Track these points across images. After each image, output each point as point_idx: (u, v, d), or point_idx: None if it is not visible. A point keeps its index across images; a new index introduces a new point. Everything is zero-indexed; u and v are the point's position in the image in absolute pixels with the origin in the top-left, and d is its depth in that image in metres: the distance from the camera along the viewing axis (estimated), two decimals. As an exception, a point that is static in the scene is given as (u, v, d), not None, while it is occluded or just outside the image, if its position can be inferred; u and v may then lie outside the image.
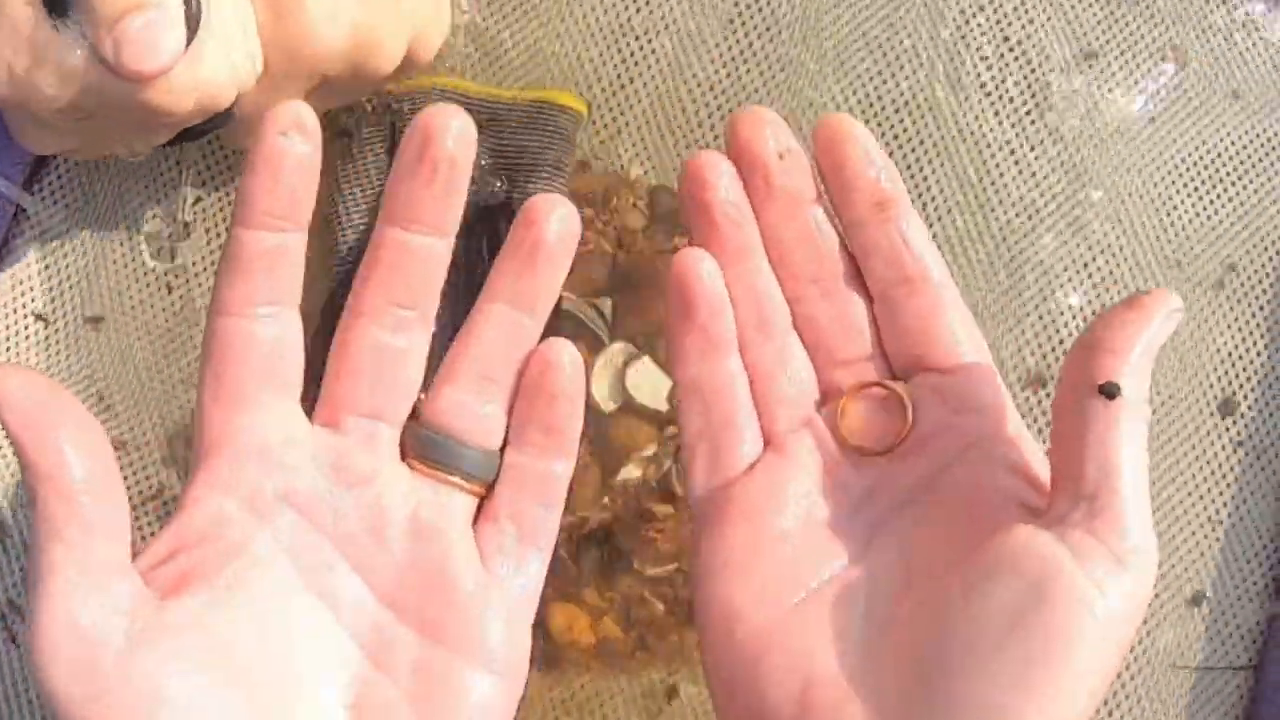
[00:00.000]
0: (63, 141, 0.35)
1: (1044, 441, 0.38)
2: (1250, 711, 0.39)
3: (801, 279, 0.30)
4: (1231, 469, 0.40)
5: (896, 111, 0.41)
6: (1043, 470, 0.28)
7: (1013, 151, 0.41)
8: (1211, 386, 0.41)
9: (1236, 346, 0.41)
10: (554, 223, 0.28)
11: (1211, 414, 0.41)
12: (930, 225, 0.41)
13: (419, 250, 0.28)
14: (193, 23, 0.29)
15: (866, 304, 0.30)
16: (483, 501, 0.29)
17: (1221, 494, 0.40)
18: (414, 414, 0.29)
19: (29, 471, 0.24)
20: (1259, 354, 0.41)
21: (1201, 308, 0.41)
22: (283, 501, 0.27)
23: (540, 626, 0.37)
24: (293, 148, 0.26)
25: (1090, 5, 0.42)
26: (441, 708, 0.26)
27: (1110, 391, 0.25)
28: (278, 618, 0.26)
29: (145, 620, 0.24)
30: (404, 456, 0.29)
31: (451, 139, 0.27)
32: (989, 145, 0.41)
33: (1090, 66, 0.42)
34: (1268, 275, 0.41)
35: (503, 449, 0.29)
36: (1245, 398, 0.41)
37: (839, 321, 0.30)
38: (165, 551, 0.26)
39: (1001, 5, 0.42)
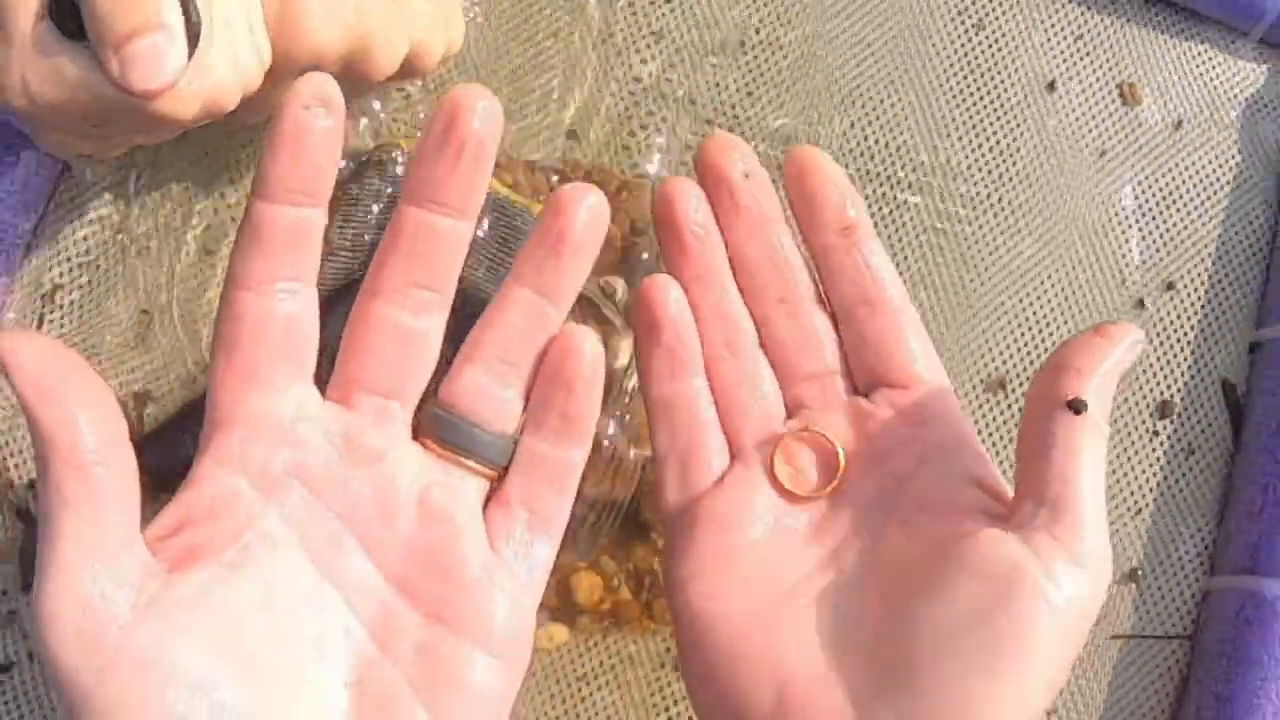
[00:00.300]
0: (79, 145, 0.35)
1: (1010, 443, 0.40)
2: (1186, 676, 0.41)
3: (768, 298, 0.31)
4: (1167, 463, 0.42)
5: (881, 124, 0.43)
6: (993, 473, 0.29)
7: (979, 172, 0.43)
8: (1150, 390, 0.43)
9: (1174, 355, 0.43)
10: (582, 212, 0.27)
11: (1151, 414, 0.43)
12: (901, 239, 0.42)
13: (442, 231, 0.27)
14: (194, 36, 0.29)
15: (829, 322, 0.31)
16: (494, 485, 0.28)
17: (1158, 484, 0.42)
18: (430, 394, 0.28)
19: (40, 440, 0.23)
20: (1192, 362, 0.43)
21: (1143, 321, 0.43)
22: (292, 476, 0.26)
23: (562, 590, 0.38)
24: (316, 122, 0.25)
25: (1053, 39, 0.45)
26: (442, 689, 0.26)
27: (1077, 407, 0.26)
28: (284, 594, 0.25)
29: (152, 593, 0.24)
30: (418, 436, 0.28)
31: (478, 118, 0.26)
32: (957, 165, 0.43)
33: (1049, 96, 0.44)
34: (1203, 294, 0.44)
35: (517, 434, 0.28)
36: (1180, 400, 0.43)
37: (803, 339, 0.31)
38: (173, 524, 0.25)
39: (971, 38, 0.44)
